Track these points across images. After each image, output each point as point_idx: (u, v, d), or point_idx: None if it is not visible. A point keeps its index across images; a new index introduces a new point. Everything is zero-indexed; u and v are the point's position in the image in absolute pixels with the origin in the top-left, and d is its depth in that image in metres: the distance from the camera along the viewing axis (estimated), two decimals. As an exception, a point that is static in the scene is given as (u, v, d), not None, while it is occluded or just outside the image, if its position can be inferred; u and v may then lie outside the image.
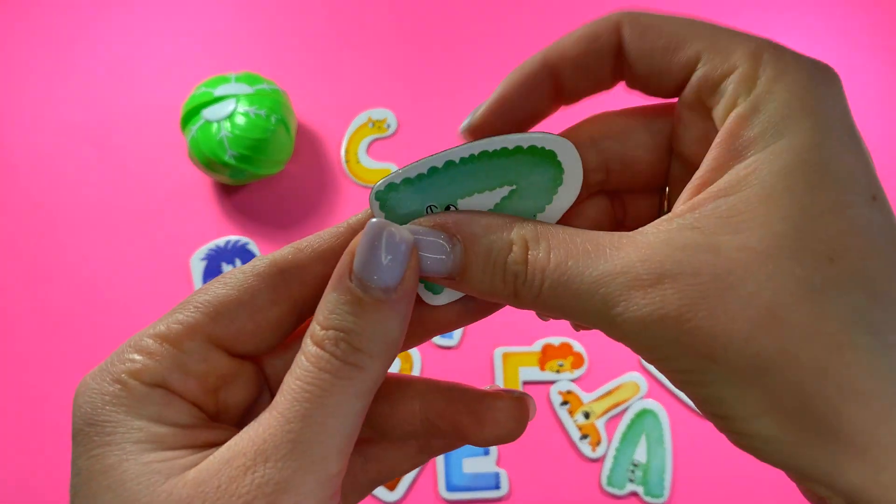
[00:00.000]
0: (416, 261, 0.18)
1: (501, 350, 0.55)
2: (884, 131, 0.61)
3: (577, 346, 0.55)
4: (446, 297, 0.20)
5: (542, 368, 0.55)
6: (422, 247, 0.18)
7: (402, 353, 0.55)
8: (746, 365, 0.16)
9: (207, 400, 0.19)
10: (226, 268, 0.57)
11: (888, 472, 0.15)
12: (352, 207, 0.58)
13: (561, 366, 0.55)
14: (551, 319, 0.21)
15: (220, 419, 0.20)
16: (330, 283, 0.18)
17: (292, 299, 0.19)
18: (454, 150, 0.19)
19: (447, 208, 0.20)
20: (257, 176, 0.55)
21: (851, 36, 0.64)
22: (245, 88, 0.53)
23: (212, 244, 0.57)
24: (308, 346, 0.18)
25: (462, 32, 0.63)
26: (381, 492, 0.53)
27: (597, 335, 0.56)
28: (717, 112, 0.18)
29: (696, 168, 0.18)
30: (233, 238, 0.57)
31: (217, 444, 0.18)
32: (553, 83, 0.20)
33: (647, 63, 0.19)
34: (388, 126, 0.60)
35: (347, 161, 0.59)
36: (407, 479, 0.53)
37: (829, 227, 0.16)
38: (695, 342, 0.16)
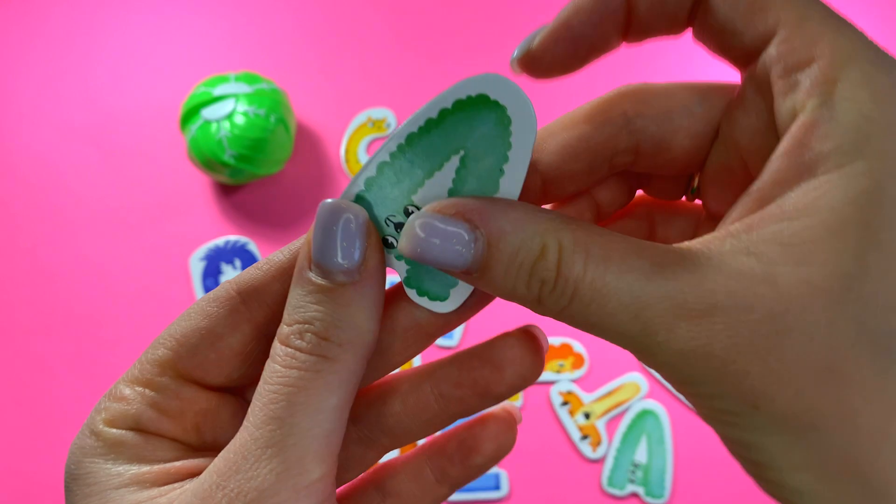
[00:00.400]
0: (375, 238, 0.17)
1: (501, 350, 0.55)
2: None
3: (578, 347, 0.55)
4: (452, 303, 0.18)
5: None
6: (439, 236, 0.16)
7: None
8: (795, 418, 0.14)
9: (189, 436, 0.18)
10: (225, 268, 0.56)
11: None
12: (351, 207, 0.58)
13: (561, 366, 0.55)
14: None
15: (209, 454, 0.18)
16: (292, 279, 0.17)
17: (254, 322, 0.18)
18: (381, 150, 0.18)
19: (406, 211, 0.18)
20: (257, 175, 0.55)
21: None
22: (244, 88, 0.53)
23: (211, 244, 0.57)
24: (275, 348, 0.17)
25: (462, 31, 0.63)
26: (380, 492, 0.53)
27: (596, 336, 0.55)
28: (783, 108, 0.15)
29: (744, 160, 0.16)
30: (232, 238, 0.57)
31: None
32: (626, 10, 0.17)
33: (725, 14, 0.16)
34: (388, 125, 0.60)
35: (347, 161, 0.59)
36: (407, 479, 0.53)
37: None
38: (740, 386, 0.14)
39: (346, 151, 0.59)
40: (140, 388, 0.18)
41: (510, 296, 0.17)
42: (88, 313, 0.56)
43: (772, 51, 0.15)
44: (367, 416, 0.20)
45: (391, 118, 0.60)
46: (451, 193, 0.18)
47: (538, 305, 0.16)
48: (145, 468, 0.17)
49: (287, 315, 0.17)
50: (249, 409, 0.16)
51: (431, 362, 0.20)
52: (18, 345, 0.56)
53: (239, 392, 0.20)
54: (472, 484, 0.53)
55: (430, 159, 0.17)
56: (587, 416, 0.54)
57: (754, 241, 0.14)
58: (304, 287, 0.17)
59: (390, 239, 0.18)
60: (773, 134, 0.15)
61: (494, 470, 0.53)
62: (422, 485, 0.20)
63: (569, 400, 0.54)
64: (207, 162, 0.53)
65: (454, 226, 0.16)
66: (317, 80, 0.61)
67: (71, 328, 0.56)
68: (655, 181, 0.20)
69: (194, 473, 0.17)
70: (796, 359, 0.14)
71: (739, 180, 0.16)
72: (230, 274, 0.56)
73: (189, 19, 0.63)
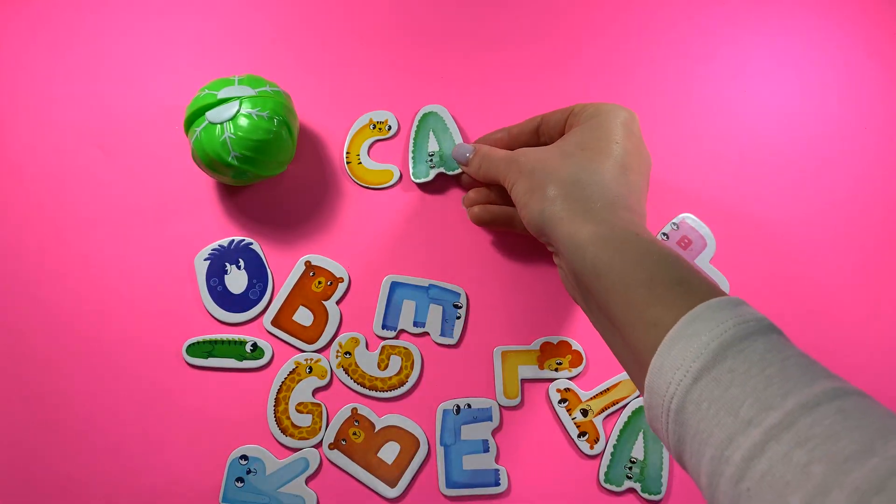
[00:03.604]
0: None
1: (500, 349, 0.56)
2: (882, 131, 0.62)
3: (576, 345, 0.56)
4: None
5: (541, 367, 0.56)
6: (461, 149, 0.55)
7: (404, 351, 0.56)
8: (530, 171, 0.45)
9: None
10: (229, 267, 0.57)
11: (580, 233, 0.40)
12: (353, 208, 0.59)
13: (559, 364, 0.56)
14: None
15: None
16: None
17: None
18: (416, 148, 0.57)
19: (429, 155, 0.60)
20: (260, 177, 0.55)
21: (850, 40, 0.65)
22: (248, 91, 0.54)
23: (215, 244, 0.58)
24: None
25: (462, 34, 0.64)
26: (382, 488, 0.54)
27: (594, 333, 0.56)
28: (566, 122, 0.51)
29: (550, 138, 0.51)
30: (236, 238, 0.58)
31: None
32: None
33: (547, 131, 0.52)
34: (390, 127, 0.61)
35: (349, 162, 0.60)
36: (407, 476, 0.54)
37: (591, 143, 0.45)
38: (532, 181, 0.45)
39: (348, 153, 0.60)
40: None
41: (474, 170, 0.53)
42: (94, 312, 0.57)
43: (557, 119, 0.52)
44: None
45: (392, 120, 0.61)
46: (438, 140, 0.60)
47: (474, 169, 0.53)
48: None
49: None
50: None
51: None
52: (24, 344, 0.56)
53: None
54: (471, 480, 0.54)
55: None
56: (585, 412, 0.55)
57: (540, 150, 0.47)
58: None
59: (434, 160, 0.59)
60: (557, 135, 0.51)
61: (493, 466, 0.54)
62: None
63: (567, 397, 0.55)
64: (211, 163, 0.53)
65: (469, 148, 0.55)
66: (319, 82, 0.62)
67: (76, 327, 0.56)
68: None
69: None
70: (538, 178, 0.44)
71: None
72: (234, 273, 0.57)
73: (193, 23, 0.64)
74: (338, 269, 0.57)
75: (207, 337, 0.56)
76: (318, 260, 0.58)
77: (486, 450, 0.54)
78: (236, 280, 0.57)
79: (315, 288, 0.57)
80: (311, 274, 0.57)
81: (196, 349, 0.56)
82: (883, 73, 0.63)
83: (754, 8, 0.65)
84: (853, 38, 0.64)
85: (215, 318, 0.56)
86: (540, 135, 0.52)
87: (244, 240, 0.58)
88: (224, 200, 0.59)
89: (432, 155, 0.60)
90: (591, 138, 0.45)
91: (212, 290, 0.57)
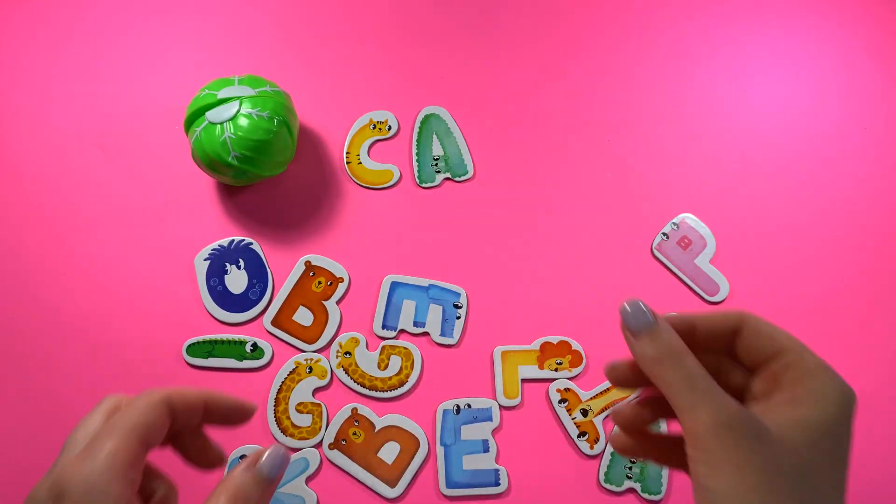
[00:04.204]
0: (284, 468, 0.32)
1: (501, 349, 0.56)
2: (882, 131, 0.62)
3: (576, 345, 0.56)
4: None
5: (541, 367, 0.56)
6: (641, 314, 0.32)
7: (404, 351, 0.56)
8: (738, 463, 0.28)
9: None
10: (229, 267, 0.57)
11: None
12: (353, 208, 0.59)
13: (559, 364, 0.56)
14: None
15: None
16: (244, 465, 0.31)
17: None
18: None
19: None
20: (260, 177, 0.55)
21: (850, 40, 0.65)
22: (248, 91, 0.54)
23: (215, 244, 0.58)
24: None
25: (462, 34, 0.64)
26: (382, 488, 0.54)
27: (594, 333, 0.56)
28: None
29: (748, 368, 0.33)
30: (236, 238, 0.58)
31: None
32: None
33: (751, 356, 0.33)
34: (390, 127, 0.61)
35: (349, 162, 0.60)
36: (407, 476, 0.54)
37: (821, 467, 0.29)
38: (720, 455, 0.28)
39: (348, 153, 0.60)
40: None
41: (642, 355, 0.31)
42: (94, 312, 0.57)
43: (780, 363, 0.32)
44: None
45: (392, 120, 0.61)
46: None
47: (645, 355, 0.31)
48: None
49: (233, 481, 0.31)
50: None
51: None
52: (25, 345, 0.56)
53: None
54: (472, 480, 0.54)
55: None
56: (585, 412, 0.55)
57: (758, 413, 0.30)
58: (249, 474, 0.31)
59: (440, 165, 0.54)
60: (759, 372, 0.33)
61: (494, 466, 0.54)
62: None
63: (567, 397, 0.55)
64: (211, 163, 0.53)
65: (648, 318, 0.31)
66: (319, 82, 0.62)
67: (78, 327, 0.56)
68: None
69: None
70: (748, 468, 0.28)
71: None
72: (234, 273, 0.57)
73: (194, 23, 0.64)
74: (338, 269, 0.57)
75: (207, 337, 0.56)
76: (318, 260, 0.58)
77: (486, 450, 0.54)
78: (236, 280, 0.57)
79: (315, 288, 0.57)
80: (311, 274, 0.57)
81: (196, 349, 0.56)
82: (883, 73, 0.63)
83: (754, 8, 0.65)
84: (853, 38, 0.64)
85: (215, 318, 0.56)
86: (737, 351, 0.35)
87: (244, 240, 0.58)
88: (224, 200, 0.59)
89: (437, 159, 0.59)
90: (820, 455, 0.31)
91: (212, 290, 0.57)
